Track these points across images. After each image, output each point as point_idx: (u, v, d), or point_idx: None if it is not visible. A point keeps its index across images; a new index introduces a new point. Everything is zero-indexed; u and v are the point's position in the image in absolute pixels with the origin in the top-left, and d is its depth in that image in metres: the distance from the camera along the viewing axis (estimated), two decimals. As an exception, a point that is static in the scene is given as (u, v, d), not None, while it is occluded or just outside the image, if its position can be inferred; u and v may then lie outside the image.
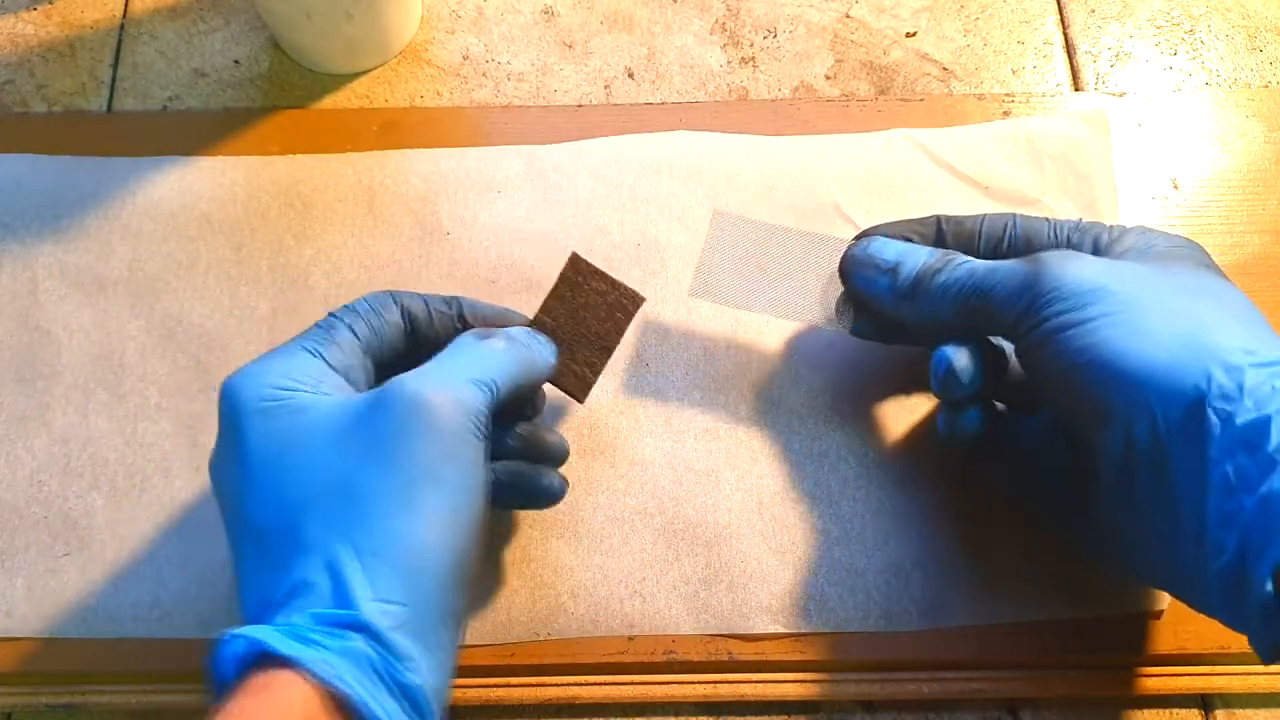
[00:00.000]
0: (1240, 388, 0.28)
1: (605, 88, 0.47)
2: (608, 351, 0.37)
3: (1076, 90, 0.47)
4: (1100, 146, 0.44)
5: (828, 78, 0.47)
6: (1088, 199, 0.43)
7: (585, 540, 0.39)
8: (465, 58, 0.48)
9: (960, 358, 0.34)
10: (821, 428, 0.40)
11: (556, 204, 0.44)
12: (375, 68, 0.47)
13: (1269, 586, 0.27)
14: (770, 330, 0.42)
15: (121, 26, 0.49)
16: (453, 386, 0.30)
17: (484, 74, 0.48)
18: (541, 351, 0.35)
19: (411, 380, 0.30)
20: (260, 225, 0.43)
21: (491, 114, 0.46)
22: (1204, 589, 0.30)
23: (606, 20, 0.49)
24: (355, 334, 0.33)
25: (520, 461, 0.35)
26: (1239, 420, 0.28)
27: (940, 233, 0.37)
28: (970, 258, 0.35)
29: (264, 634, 0.26)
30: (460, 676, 0.37)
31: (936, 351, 0.35)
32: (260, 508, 0.30)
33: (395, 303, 0.35)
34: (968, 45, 0.48)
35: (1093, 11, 0.49)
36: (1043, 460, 0.35)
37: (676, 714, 0.38)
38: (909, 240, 0.37)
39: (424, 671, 0.27)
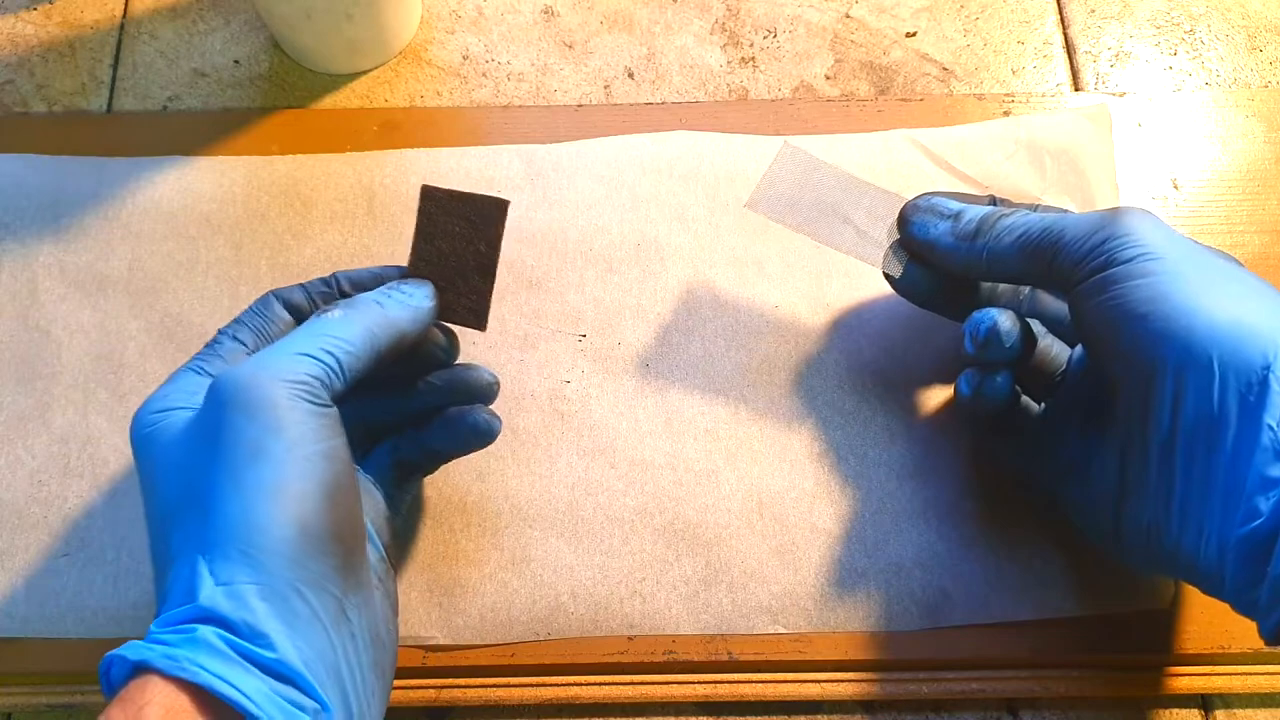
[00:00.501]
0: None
1: (605, 88, 0.47)
2: (489, 271, 0.35)
3: (1076, 90, 0.47)
4: (1102, 143, 0.44)
5: (828, 78, 0.47)
6: (1088, 197, 0.43)
7: (585, 540, 0.39)
8: (465, 58, 0.48)
9: (1004, 319, 0.35)
10: (822, 427, 0.40)
11: (556, 204, 0.44)
12: (375, 68, 0.47)
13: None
14: (770, 331, 0.42)
15: (121, 26, 0.49)
16: (273, 364, 0.30)
17: (484, 74, 0.48)
18: (405, 301, 0.34)
19: (230, 369, 0.30)
20: (260, 225, 0.43)
21: (491, 114, 0.46)
22: (1219, 560, 0.30)
23: (606, 20, 0.49)
24: (240, 342, 0.33)
25: (450, 408, 0.36)
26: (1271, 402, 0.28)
27: (995, 201, 0.37)
28: (1024, 209, 0.36)
29: (124, 649, 0.27)
30: (460, 676, 0.37)
31: (977, 312, 0.35)
32: (149, 528, 0.30)
33: (277, 299, 0.35)
34: (968, 45, 0.48)
35: (1093, 11, 0.49)
36: (1053, 439, 0.35)
37: (676, 714, 0.38)
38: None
39: (290, 645, 0.27)
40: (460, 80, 0.47)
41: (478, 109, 0.46)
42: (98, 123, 0.46)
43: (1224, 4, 0.49)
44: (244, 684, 0.26)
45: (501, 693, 0.37)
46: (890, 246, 0.38)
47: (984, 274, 0.36)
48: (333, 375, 0.31)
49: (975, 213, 0.36)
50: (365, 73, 0.47)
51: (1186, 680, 0.37)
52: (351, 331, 0.32)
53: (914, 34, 0.48)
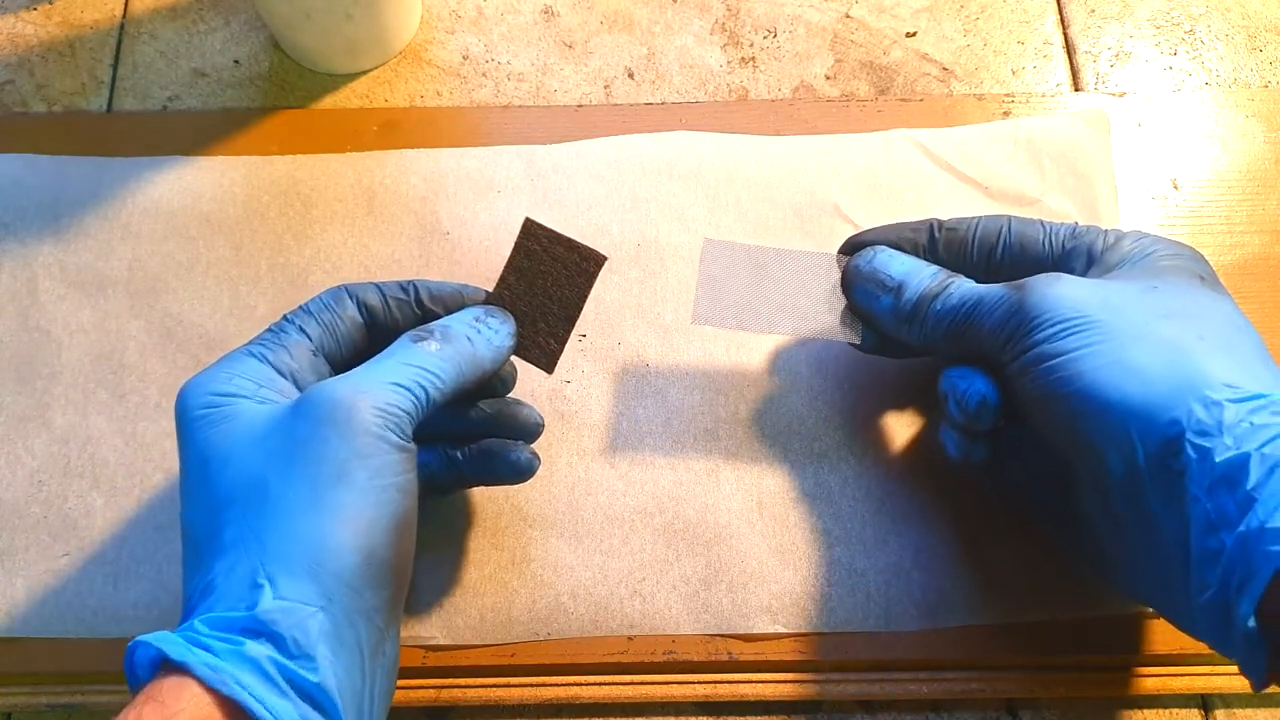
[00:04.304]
0: (1219, 424, 0.28)
1: (605, 88, 0.47)
2: (572, 319, 0.36)
3: (1076, 90, 0.47)
4: (1100, 146, 0.44)
5: (828, 78, 0.47)
6: (1088, 199, 0.43)
7: (585, 540, 0.39)
8: (465, 58, 0.48)
9: (992, 392, 0.34)
10: (821, 428, 0.40)
11: (556, 204, 0.44)
12: (375, 68, 0.47)
13: (1252, 622, 0.27)
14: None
15: (121, 26, 0.49)
16: (372, 390, 0.30)
17: (484, 74, 0.48)
18: (491, 339, 0.34)
19: (330, 384, 0.30)
20: (260, 225, 0.43)
21: (491, 114, 0.46)
22: (1190, 618, 0.30)
23: (606, 20, 0.49)
24: (306, 335, 0.33)
25: (491, 439, 0.36)
26: (1218, 457, 0.27)
27: (933, 239, 0.36)
28: (965, 281, 0.34)
29: (163, 640, 0.26)
30: (460, 676, 0.37)
31: (960, 377, 0.34)
32: (191, 513, 0.30)
33: (350, 297, 0.34)
34: (968, 45, 0.48)
35: (1093, 11, 0.49)
36: (1033, 476, 0.35)
37: (676, 714, 0.38)
38: (901, 248, 0.36)
39: (331, 671, 0.27)
40: (460, 80, 0.47)
41: (478, 109, 0.46)
42: (98, 123, 0.46)
43: (1224, 4, 0.49)
44: (278, 708, 0.26)
45: (501, 693, 0.37)
46: (843, 313, 0.37)
47: (930, 353, 0.36)
48: (420, 411, 0.31)
49: (915, 289, 0.35)
50: (365, 73, 0.47)
51: (1186, 680, 0.37)
52: (445, 370, 0.32)
53: (914, 34, 0.48)
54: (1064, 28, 0.49)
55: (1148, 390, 0.29)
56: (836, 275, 0.38)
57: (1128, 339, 0.30)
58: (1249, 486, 0.27)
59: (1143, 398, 0.29)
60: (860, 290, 0.36)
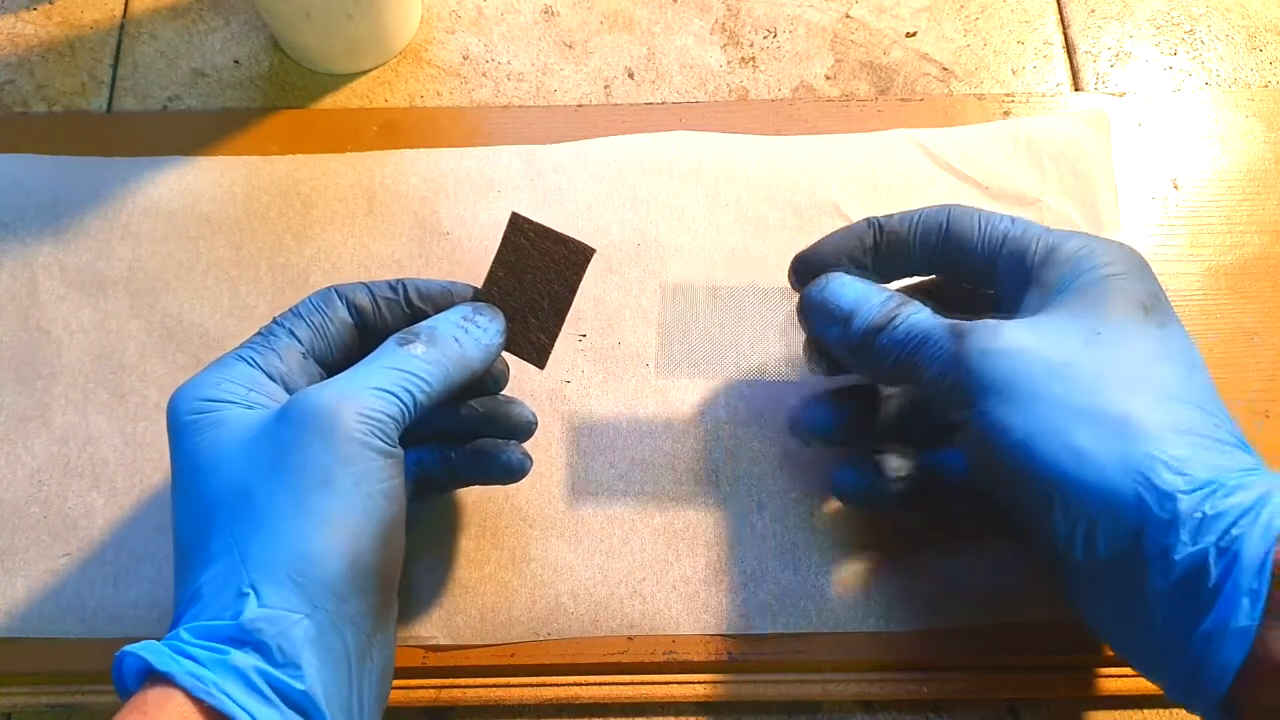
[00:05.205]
0: (1175, 519, 0.27)
1: (605, 88, 0.47)
2: (562, 313, 0.35)
3: (1076, 90, 0.47)
4: (1100, 146, 0.44)
5: (828, 78, 0.47)
6: (1088, 199, 0.43)
7: (585, 540, 0.39)
8: (465, 58, 0.48)
9: (810, 407, 0.35)
10: (821, 428, 0.40)
11: (556, 204, 0.44)
12: (375, 68, 0.47)
13: (1216, 708, 0.27)
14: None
15: (121, 26, 0.49)
16: (355, 395, 0.30)
17: (484, 74, 0.48)
18: (480, 337, 0.34)
19: (313, 391, 0.30)
20: (260, 225, 0.43)
21: (491, 114, 0.46)
22: (1158, 681, 0.30)
23: (606, 20, 0.49)
24: (296, 338, 0.33)
25: (484, 439, 0.35)
26: (1176, 556, 0.27)
27: (876, 242, 0.35)
28: (915, 311, 0.33)
29: (148, 650, 0.26)
30: (460, 676, 0.37)
31: (810, 408, 0.36)
32: (181, 519, 0.30)
33: (339, 298, 0.34)
34: (968, 45, 0.48)
35: (1093, 11, 0.49)
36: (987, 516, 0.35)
37: (676, 714, 0.38)
38: (848, 261, 0.35)
39: (318, 678, 0.27)
40: (460, 80, 0.47)
41: (478, 109, 0.46)
42: (98, 123, 0.46)
43: (1224, 4, 0.49)
44: (264, 717, 0.26)
45: (501, 693, 0.37)
46: (805, 344, 0.37)
47: (883, 384, 0.36)
48: (406, 415, 0.31)
49: (862, 319, 0.33)
50: (365, 73, 0.47)
51: (1186, 680, 0.37)
52: (431, 373, 0.32)
53: (914, 34, 0.48)
54: (1064, 28, 0.49)
55: (1101, 477, 0.28)
56: (791, 307, 0.37)
57: (1073, 414, 0.29)
58: (1210, 585, 0.27)
59: (1098, 485, 0.28)
60: (815, 323, 0.35)
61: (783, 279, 0.37)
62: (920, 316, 0.33)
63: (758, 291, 0.38)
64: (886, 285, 0.35)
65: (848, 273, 0.35)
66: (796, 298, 0.36)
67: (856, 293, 0.34)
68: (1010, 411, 0.30)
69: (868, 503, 0.36)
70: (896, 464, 0.36)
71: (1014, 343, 0.30)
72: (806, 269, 0.36)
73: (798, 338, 0.37)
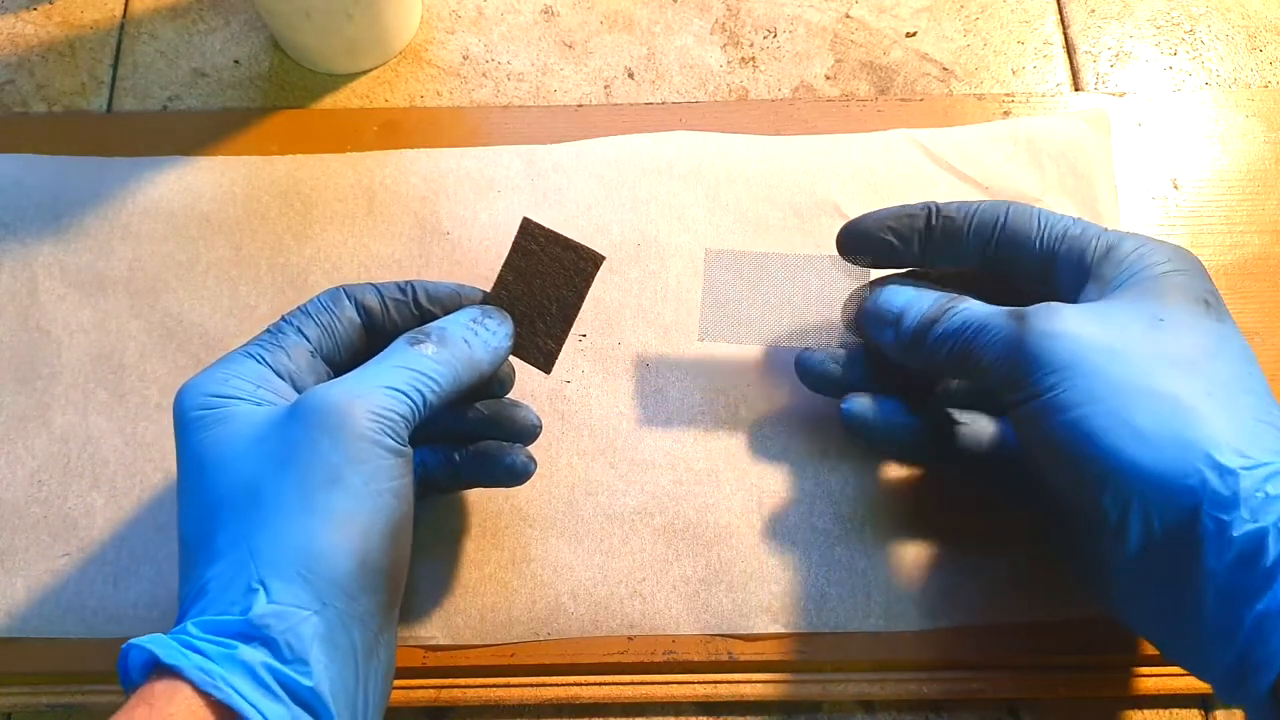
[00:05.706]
0: (1236, 495, 0.27)
1: (605, 88, 0.47)
2: (570, 319, 0.36)
3: (1076, 90, 0.47)
4: (1100, 146, 0.44)
5: (828, 78, 0.47)
6: (1088, 199, 0.43)
7: (585, 540, 0.39)
8: (465, 58, 0.48)
9: (814, 357, 0.37)
10: (821, 427, 0.40)
11: (556, 204, 0.44)
12: (375, 68, 0.47)
13: (1265, 696, 0.27)
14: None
15: (121, 26, 0.49)
16: (366, 394, 0.30)
17: (484, 74, 0.48)
18: (488, 340, 0.34)
19: (324, 389, 0.30)
20: (260, 225, 0.43)
21: (491, 114, 0.46)
22: (1192, 663, 0.30)
23: (606, 20, 0.49)
24: (304, 336, 0.33)
25: (489, 441, 0.36)
26: (1235, 532, 0.27)
27: (930, 226, 0.36)
28: (969, 305, 0.34)
29: (156, 642, 0.26)
30: (460, 676, 0.37)
31: (871, 408, 0.37)
32: (187, 515, 0.30)
33: (348, 298, 0.34)
34: (968, 45, 0.48)
35: (1093, 11, 0.49)
36: (1033, 501, 0.35)
37: (676, 714, 0.38)
38: (894, 237, 0.36)
39: (325, 675, 0.27)
40: (460, 80, 0.47)
41: (478, 109, 0.46)
42: (98, 123, 0.46)
43: (1224, 4, 0.49)
44: (271, 712, 0.26)
45: (501, 693, 0.37)
46: (842, 314, 0.38)
47: (936, 376, 0.37)
48: (417, 415, 0.31)
49: (914, 317, 0.34)
50: (365, 73, 0.47)
51: (1186, 680, 0.37)
52: (441, 373, 0.32)
53: (914, 34, 0.48)
54: (1064, 28, 0.49)
55: (1159, 457, 0.28)
56: (838, 275, 0.38)
57: (1134, 395, 0.29)
58: (1267, 563, 0.27)
59: (1155, 465, 0.28)
60: (869, 328, 0.37)
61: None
62: (974, 306, 0.33)
63: (802, 259, 0.38)
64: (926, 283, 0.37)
65: (898, 283, 0.37)
66: (841, 265, 0.37)
67: (907, 295, 0.35)
68: (1069, 389, 0.30)
69: (877, 434, 0.36)
70: (916, 407, 0.37)
71: (1076, 324, 0.31)
72: (851, 236, 0.37)
73: (838, 307, 0.38)
